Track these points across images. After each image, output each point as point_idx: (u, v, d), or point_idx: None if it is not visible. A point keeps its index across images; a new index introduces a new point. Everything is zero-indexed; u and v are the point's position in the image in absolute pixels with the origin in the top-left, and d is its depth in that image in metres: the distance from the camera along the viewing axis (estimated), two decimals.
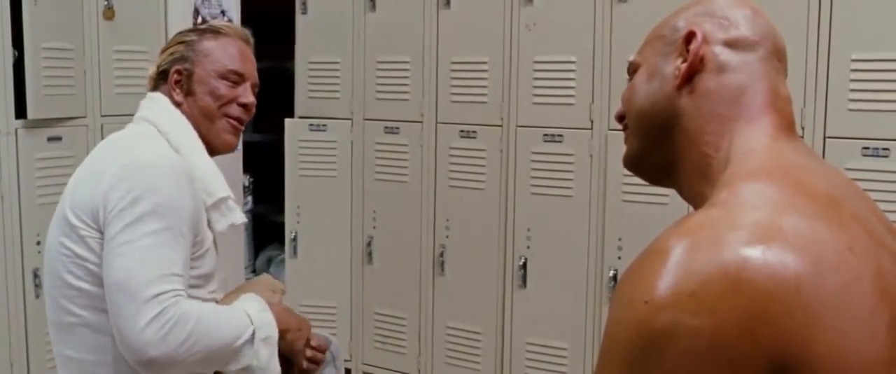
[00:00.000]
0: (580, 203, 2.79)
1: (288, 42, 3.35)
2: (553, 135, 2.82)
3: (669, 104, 0.94)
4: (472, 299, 3.02)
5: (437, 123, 3.05)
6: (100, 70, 2.86)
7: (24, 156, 2.63)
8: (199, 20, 3.10)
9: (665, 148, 0.96)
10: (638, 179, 1.06)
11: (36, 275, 2.63)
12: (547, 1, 2.81)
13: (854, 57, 2.36)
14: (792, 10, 2.39)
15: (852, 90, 2.37)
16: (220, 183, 1.67)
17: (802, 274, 0.70)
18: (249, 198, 3.90)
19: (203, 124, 1.70)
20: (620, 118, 1.03)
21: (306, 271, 3.32)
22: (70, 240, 1.54)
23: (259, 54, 1.83)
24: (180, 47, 1.72)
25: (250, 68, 1.76)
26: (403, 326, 3.19)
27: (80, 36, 2.79)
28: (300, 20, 3.31)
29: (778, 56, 0.95)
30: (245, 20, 3.25)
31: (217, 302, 1.64)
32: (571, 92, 2.79)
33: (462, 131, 3.00)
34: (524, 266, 2.90)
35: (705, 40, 0.93)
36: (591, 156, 2.76)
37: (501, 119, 2.92)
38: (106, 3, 2.84)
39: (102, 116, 2.87)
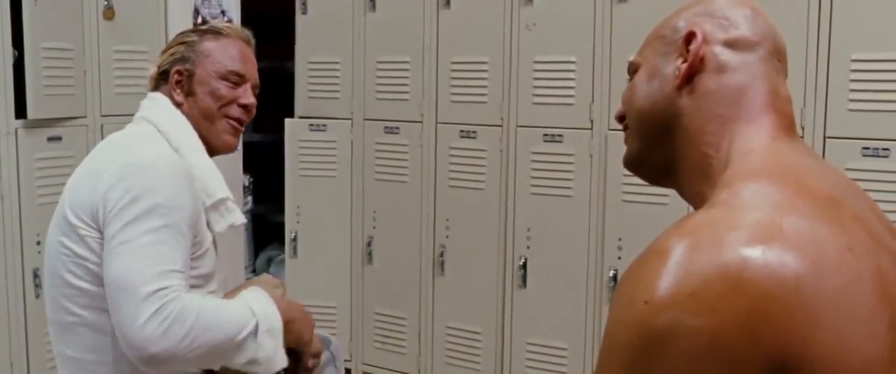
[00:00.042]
0: (580, 203, 2.79)
1: (288, 42, 3.35)
2: (553, 135, 2.82)
3: (669, 104, 0.94)
4: (472, 299, 3.02)
5: (437, 123, 3.06)
6: (100, 70, 2.85)
7: (24, 156, 2.63)
8: (199, 20, 3.10)
9: (665, 148, 0.96)
10: (638, 180, 1.06)
11: (36, 275, 2.63)
12: (547, 1, 2.81)
13: (854, 57, 2.36)
14: (792, 10, 2.39)
15: (852, 90, 2.37)
16: (219, 184, 1.67)
17: (802, 274, 0.70)
18: (249, 198, 3.90)
19: (203, 125, 1.70)
20: (621, 118, 1.04)
21: (306, 271, 3.32)
22: (70, 239, 1.54)
23: (259, 54, 1.83)
24: (181, 48, 1.73)
25: (251, 69, 1.76)
26: (403, 326, 3.19)
27: (80, 36, 2.79)
28: (300, 20, 3.31)
29: (778, 56, 0.95)
30: (245, 20, 3.25)
31: None
32: (571, 92, 2.78)
33: (462, 131, 3.00)
34: (524, 266, 2.90)
35: (705, 40, 0.93)
36: (591, 156, 2.76)
37: (501, 119, 2.92)
38: (106, 3, 2.84)
39: (102, 116, 2.87)
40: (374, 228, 3.22)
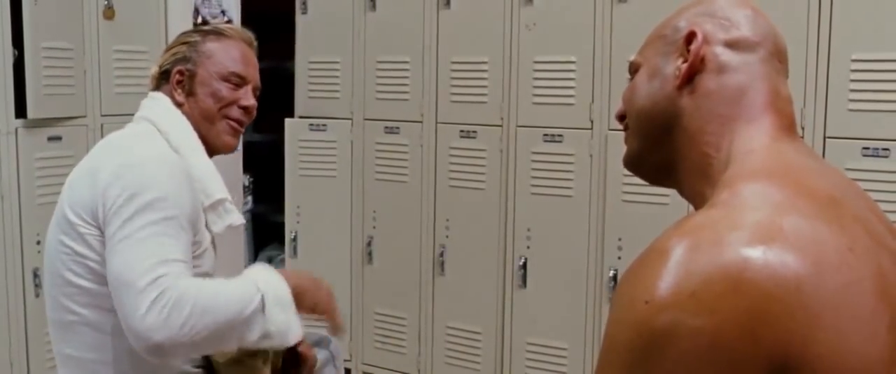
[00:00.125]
0: (580, 203, 2.79)
1: (288, 42, 3.35)
2: (553, 135, 2.82)
3: (670, 104, 0.94)
4: (472, 299, 3.02)
5: (437, 123, 3.05)
6: (100, 70, 2.85)
7: (24, 156, 2.63)
8: (199, 20, 3.10)
9: (665, 148, 0.96)
10: (638, 179, 1.06)
11: (36, 275, 2.63)
12: (547, 1, 2.81)
13: (854, 57, 2.36)
14: (792, 11, 2.39)
15: (852, 90, 2.37)
16: (218, 185, 1.67)
17: (803, 274, 0.70)
18: (249, 198, 3.90)
19: (203, 125, 1.70)
20: (621, 118, 1.03)
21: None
22: (69, 238, 1.54)
23: (259, 54, 1.83)
24: (183, 48, 1.73)
25: (252, 71, 1.76)
26: (403, 326, 3.19)
27: (80, 36, 2.79)
28: (300, 20, 3.31)
29: (779, 57, 0.95)
30: (245, 20, 3.25)
31: None
32: (571, 92, 2.78)
33: (462, 131, 3.00)
34: (524, 266, 2.90)
35: (706, 41, 0.93)
36: (591, 156, 2.76)
37: (501, 119, 2.92)
38: (106, 2, 2.84)
39: (102, 115, 2.87)
40: (374, 228, 3.22)
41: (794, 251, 0.71)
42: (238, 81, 1.72)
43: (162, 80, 1.74)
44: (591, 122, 2.76)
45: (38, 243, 2.59)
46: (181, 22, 2.98)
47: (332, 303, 1.69)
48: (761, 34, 0.94)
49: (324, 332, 1.91)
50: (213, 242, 1.68)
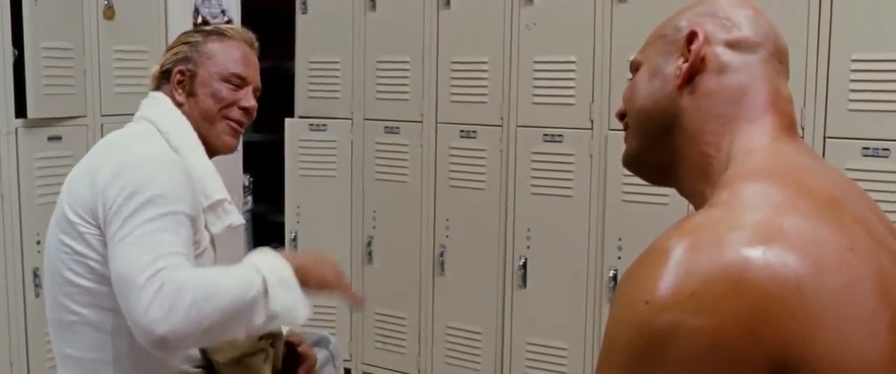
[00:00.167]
0: (580, 203, 2.79)
1: (288, 42, 3.35)
2: (553, 135, 2.82)
3: (670, 104, 0.94)
4: (472, 299, 3.02)
5: (437, 123, 3.06)
6: (100, 70, 2.85)
7: (24, 155, 2.63)
8: (199, 20, 3.10)
9: (665, 148, 0.96)
10: (638, 179, 1.06)
11: (36, 274, 2.63)
12: (547, 1, 2.81)
13: (854, 57, 2.36)
14: (792, 11, 2.39)
15: (852, 90, 2.37)
16: (217, 185, 1.67)
17: (803, 275, 0.70)
18: (249, 198, 3.90)
19: (203, 126, 1.70)
20: (621, 117, 1.03)
21: None
22: (69, 237, 1.54)
23: (259, 54, 1.83)
24: (184, 48, 1.73)
25: (253, 72, 1.76)
26: (403, 326, 3.19)
27: (80, 36, 2.79)
28: (300, 20, 3.32)
29: (779, 57, 0.95)
30: (245, 20, 3.25)
31: None
32: (571, 92, 2.78)
33: (462, 131, 3.00)
34: (524, 266, 2.90)
35: (707, 41, 0.93)
36: (591, 156, 2.76)
37: (501, 119, 2.92)
38: (106, 2, 2.84)
39: (102, 115, 2.87)
40: (374, 228, 3.22)
41: (794, 251, 0.71)
42: (239, 82, 1.72)
43: (162, 79, 1.74)
44: (591, 122, 2.76)
45: (38, 242, 2.59)
46: (181, 22, 2.98)
47: (341, 278, 1.63)
48: (762, 34, 0.94)
49: (324, 332, 1.91)
50: (212, 242, 1.67)
